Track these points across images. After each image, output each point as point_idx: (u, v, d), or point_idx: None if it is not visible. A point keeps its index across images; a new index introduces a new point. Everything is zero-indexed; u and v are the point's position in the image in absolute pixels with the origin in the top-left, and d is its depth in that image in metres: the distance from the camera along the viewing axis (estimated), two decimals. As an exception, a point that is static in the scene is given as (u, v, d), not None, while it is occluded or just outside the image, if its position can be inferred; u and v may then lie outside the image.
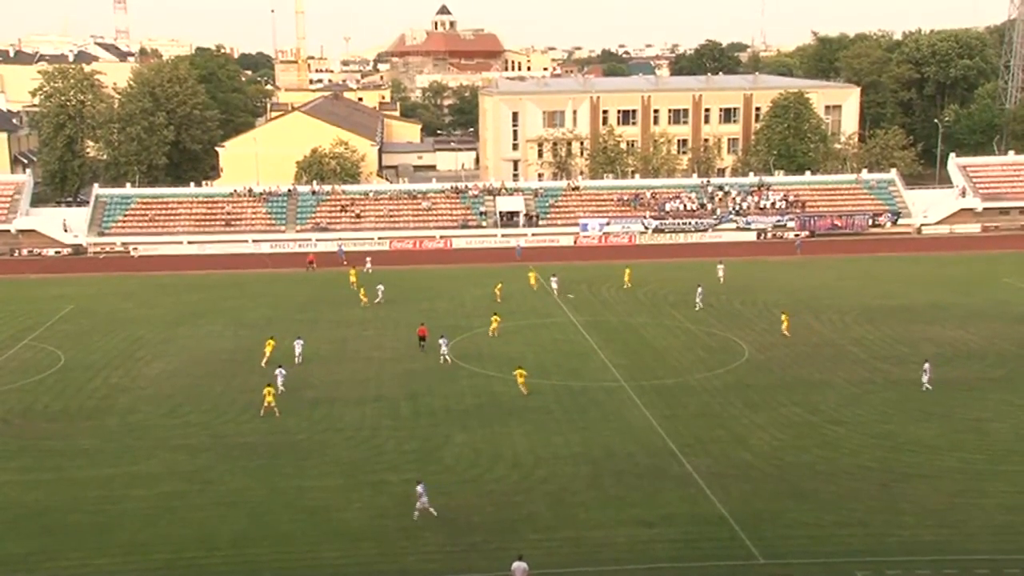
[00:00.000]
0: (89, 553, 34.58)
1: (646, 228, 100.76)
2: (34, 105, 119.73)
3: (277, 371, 51.24)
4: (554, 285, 75.51)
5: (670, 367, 56.64)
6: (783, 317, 63.56)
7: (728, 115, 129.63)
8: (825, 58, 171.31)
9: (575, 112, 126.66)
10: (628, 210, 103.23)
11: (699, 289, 71.21)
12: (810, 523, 36.30)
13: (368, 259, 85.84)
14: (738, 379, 54.07)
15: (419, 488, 36.95)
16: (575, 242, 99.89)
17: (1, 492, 39.50)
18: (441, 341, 57.91)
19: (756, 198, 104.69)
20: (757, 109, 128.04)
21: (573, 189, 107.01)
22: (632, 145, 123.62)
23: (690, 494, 38.98)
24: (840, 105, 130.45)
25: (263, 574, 33.12)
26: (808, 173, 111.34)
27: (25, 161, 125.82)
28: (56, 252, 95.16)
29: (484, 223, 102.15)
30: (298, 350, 57.66)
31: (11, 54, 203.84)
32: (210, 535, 35.87)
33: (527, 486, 40.07)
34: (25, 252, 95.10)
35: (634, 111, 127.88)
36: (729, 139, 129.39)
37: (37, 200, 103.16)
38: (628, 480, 40.40)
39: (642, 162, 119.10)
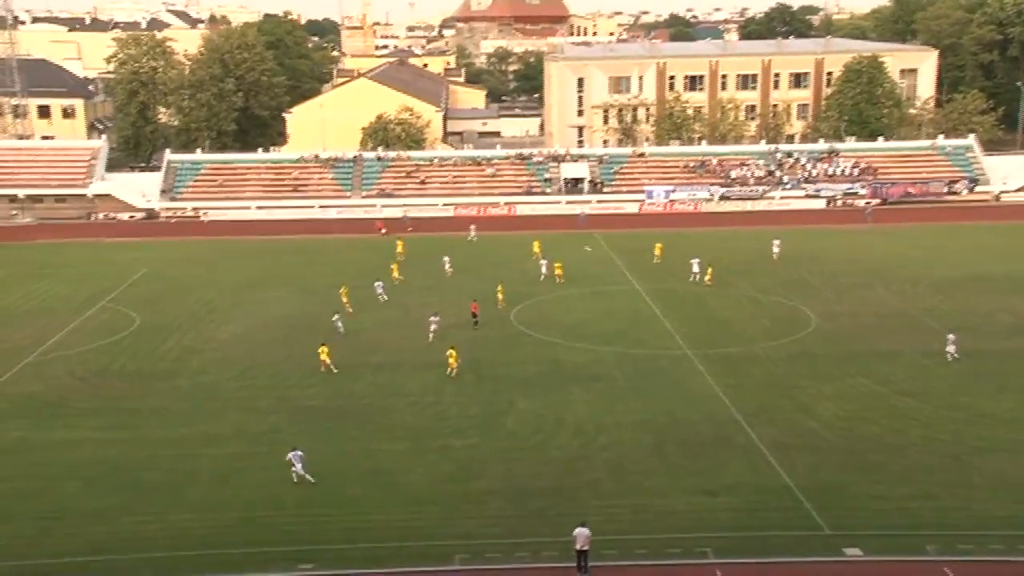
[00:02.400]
0: (164, 509, 35.60)
1: (712, 195, 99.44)
2: (109, 72, 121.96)
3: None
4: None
5: (735, 336, 56.05)
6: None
7: (798, 80, 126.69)
8: (901, 20, 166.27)
9: (641, 78, 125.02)
10: (694, 177, 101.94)
11: (694, 261, 68.99)
12: (878, 496, 35.79)
13: (473, 226, 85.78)
14: (804, 349, 53.33)
15: (290, 455, 37.26)
16: (640, 209, 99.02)
17: (80, 449, 40.78)
18: (432, 319, 56.15)
19: (826, 165, 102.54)
20: (829, 74, 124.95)
21: (638, 156, 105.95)
22: (699, 111, 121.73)
23: (754, 464, 38.68)
24: (916, 69, 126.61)
25: (330, 534, 33.74)
26: (881, 139, 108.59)
27: (101, 127, 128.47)
28: (130, 216, 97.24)
29: (548, 190, 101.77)
30: (380, 289, 63.82)
31: (87, 22, 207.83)
32: (278, 495, 36.64)
33: (589, 453, 40.13)
34: (101, 216, 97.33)
35: (701, 77, 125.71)
36: (799, 105, 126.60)
37: (112, 165, 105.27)
38: (691, 449, 40.22)
39: (709, 128, 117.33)
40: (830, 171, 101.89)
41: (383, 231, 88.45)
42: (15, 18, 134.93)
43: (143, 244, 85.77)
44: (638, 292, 66.47)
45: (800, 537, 33.19)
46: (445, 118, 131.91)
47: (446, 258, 72.44)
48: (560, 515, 34.33)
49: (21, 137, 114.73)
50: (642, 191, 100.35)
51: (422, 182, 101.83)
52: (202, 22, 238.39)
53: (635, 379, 48.97)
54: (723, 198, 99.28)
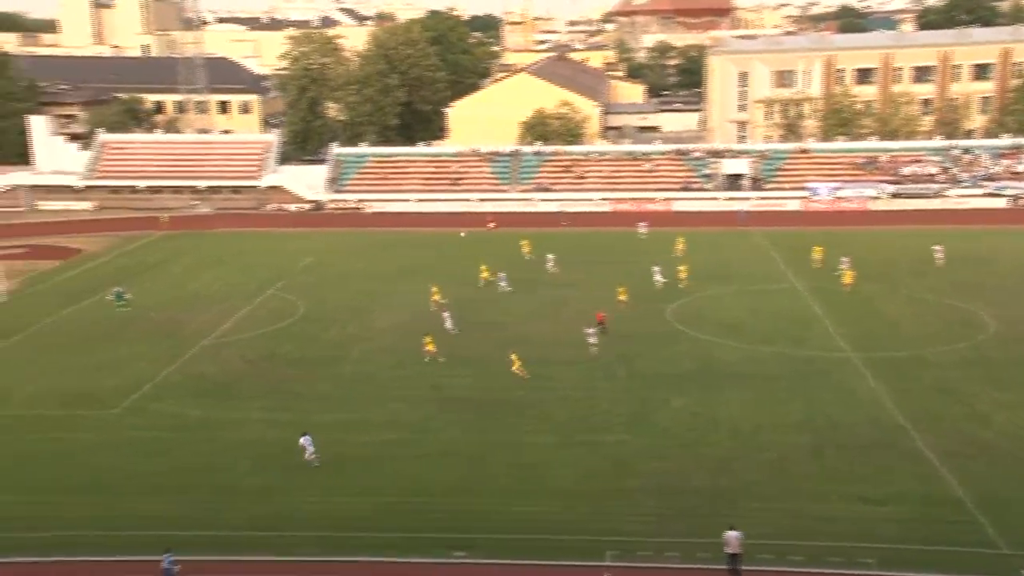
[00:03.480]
0: (324, 491, 36.86)
1: (881, 194, 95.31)
2: (282, 69, 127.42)
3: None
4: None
5: (902, 338, 53.53)
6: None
7: (981, 72, 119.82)
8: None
9: (807, 71, 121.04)
10: (862, 174, 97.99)
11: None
12: (1061, 514, 33.45)
13: (642, 223, 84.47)
14: (981, 354, 50.40)
15: (302, 440, 38.48)
16: (802, 207, 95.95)
17: (249, 429, 42.71)
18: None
19: (1010, 161, 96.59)
20: (1016, 64, 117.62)
21: (802, 152, 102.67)
22: (869, 105, 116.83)
23: (922, 472, 36.83)
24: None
25: (480, 524, 34.12)
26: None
27: (274, 122, 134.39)
28: (298, 207, 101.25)
29: (707, 186, 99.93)
30: (503, 282, 64.69)
31: (265, 21, 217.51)
32: (430, 483, 37.33)
33: (745, 453, 39.14)
34: (271, 207, 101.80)
35: (873, 69, 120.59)
36: (981, 98, 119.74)
37: (283, 158, 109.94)
38: (852, 454, 38.65)
39: (879, 123, 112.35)
40: (1015, 168, 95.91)
41: (492, 226, 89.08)
42: (202, 19, 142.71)
43: (309, 234, 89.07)
44: (798, 291, 64.41)
45: (973, 554, 31.35)
46: (604, 113, 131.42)
47: (550, 256, 71.98)
48: (714, 515, 33.60)
49: (202, 131, 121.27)
50: (805, 188, 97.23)
51: (579, 177, 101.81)
52: (369, 19, 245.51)
53: (793, 380, 47.45)
54: (893, 196, 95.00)
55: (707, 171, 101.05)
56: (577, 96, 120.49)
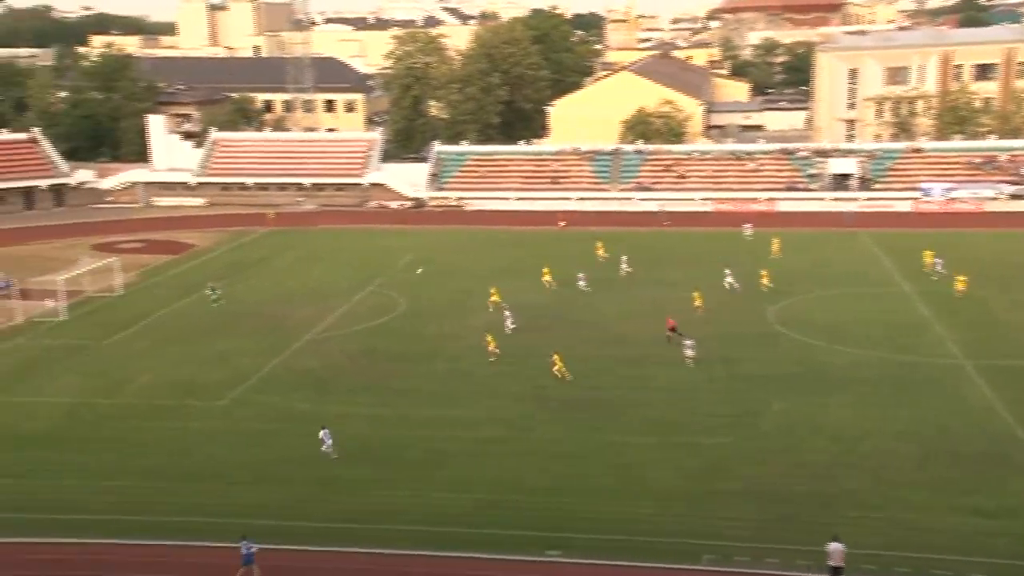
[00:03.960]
0: (420, 485, 37.29)
1: (999, 194, 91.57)
2: (387, 68, 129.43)
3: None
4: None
5: (1021, 346, 51.33)
6: None
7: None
8: None
9: (922, 67, 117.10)
10: (979, 174, 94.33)
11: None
12: None
13: (748, 224, 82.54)
14: (1103, 365, 48.01)
15: (322, 433, 39.48)
16: (913, 208, 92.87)
17: (349, 423, 43.43)
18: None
19: None
20: None
21: (914, 151, 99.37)
22: (988, 103, 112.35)
23: (1037, 487, 35.28)
24: None
25: (576, 523, 34.03)
26: None
27: (377, 120, 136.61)
28: (400, 205, 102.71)
29: (813, 186, 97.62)
30: (582, 282, 64.60)
31: (371, 21, 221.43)
32: (526, 481, 37.40)
33: (848, 460, 38.12)
34: (373, 204, 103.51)
35: (993, 65, 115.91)
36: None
37: (386, 156, 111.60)
38: (963, 464, 37.26)
39: (999, 121, 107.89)
40: None
41: (562, 224, 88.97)
42: (310, 20, 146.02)
43: (410, 231, 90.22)
44: (907, 294, 62.43)
45: (1089, 572, 29.94)
46: (707, 111, 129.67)
47: (624, 257, 71.00)
48: (815, 523, 32.82)
49: (308, 129, 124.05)
50: (917, 188, 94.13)
51: (680, 176, 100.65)
52: (473, 18, 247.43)
53: (900, 386, 45.99)
54: (1013, 197, 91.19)
55: (813, 171, 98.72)
56: (680, 95, 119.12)
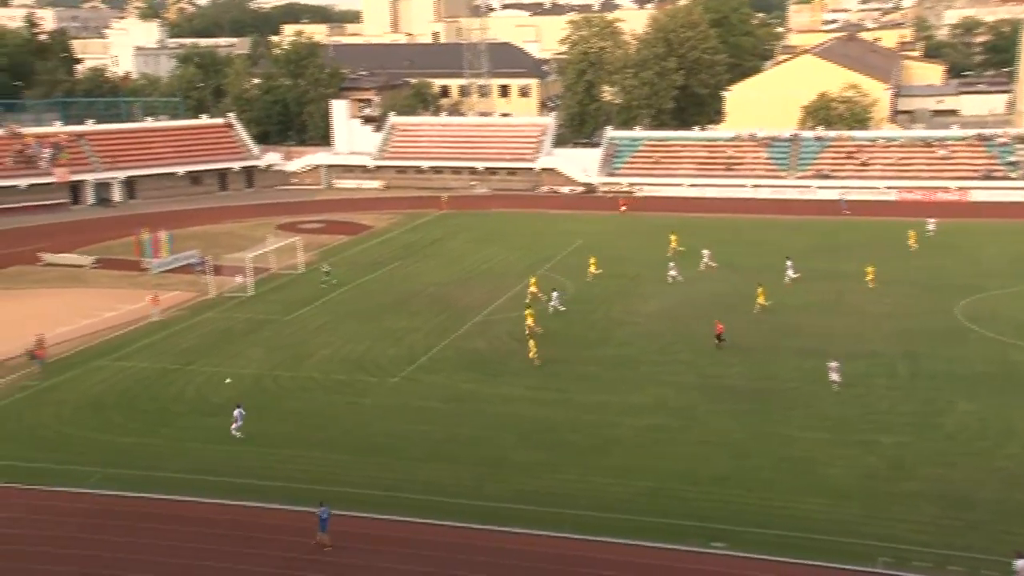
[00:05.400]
0: (585, 470, 37.24)
1: None
2: (561, 53, 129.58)
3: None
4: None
5: None
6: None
7: None
8: None
9: None
10: None
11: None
12: None
13: (931, 221, 76.79)
14: None
15: (236, 412, 40.37)
16: None
17: (515, 405, 43.91)
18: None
19: None
20: None
21: None
22: None
23: None
24: None
25: (744, 516, 33.21)
26: None
27: (550, 105, 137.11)
28: (570, 190, 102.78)
29: (1013, 174, 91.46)
30: (673, 271, 64.07)
31: (547, 6, 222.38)
32: (692, 471, 36.76)
33: (1043, 469, 35.60)
34: (544, 189, 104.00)
35: None
36: None
37: (558, 141, 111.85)
38: None
39: None
40: None
41: (624, 209, 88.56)
42: (488, 6, 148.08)
43: (580, 217, 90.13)
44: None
45: None
46: (895, 96, 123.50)
47: (705, 252, 68.24)
48: (1003, 532, 30.88)
49: (483, 114, 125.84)
50: None
51: (863, 163, 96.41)
52: (651, 2, 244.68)
53: (1107, 392, 42.57)
54: None
55: (1013, 158, 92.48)
56: (865, 78, 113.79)
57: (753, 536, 31.90)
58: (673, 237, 72.71)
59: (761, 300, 56.55)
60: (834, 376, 44.38)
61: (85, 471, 37.76)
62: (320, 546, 31.90)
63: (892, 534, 31.65)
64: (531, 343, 49.71)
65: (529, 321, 53.18)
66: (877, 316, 54.73)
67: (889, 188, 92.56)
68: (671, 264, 65.58)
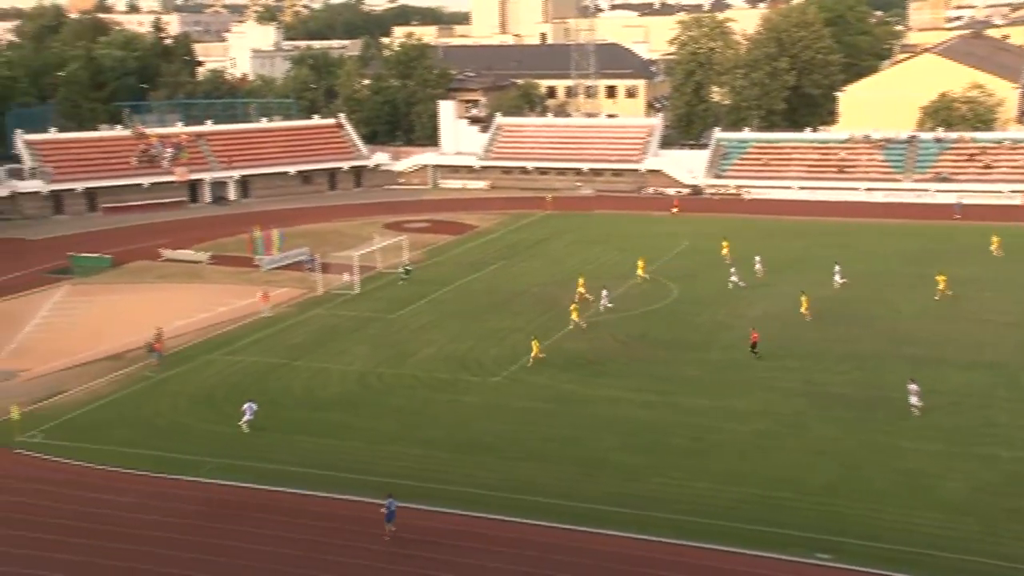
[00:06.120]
0: (688, 475, 36.74)
1: None
2: (670, 54, 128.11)
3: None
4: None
5: None
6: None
7: None
8: None
9: None
10: None
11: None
12: None
13: None
14: None
15: (244, 406, 41.13)
16: None
17: (617, 407, 43.58)
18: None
19: None
20: None
21: None
22: None
23: None
24: None
25: (851, 527, 32.23)
26: None
27: (658, 106, 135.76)
28: (676, 192, 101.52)
29: None
30: (734, 277, 62.47)
31: (656, 6, 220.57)
32: (800, 479, 35.86)
33: None
34: (650, 190, 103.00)
35: None
36: None
37: (664, 143, 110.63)
38: None
39: None
40: None
41: (675, 210, 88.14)
42: (596, 7, 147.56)
43: (686, 219, 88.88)
44: None
45: None
46: (1023, 96, 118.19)
47: (757, 258, 65.99)
48: None
49: (589, 115, 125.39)
50: None
51: (986, 166, 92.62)
52: (763, 1, 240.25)
53: None
54: None
55: None
56: (991, 77, 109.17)
57: (861, 549, 30.93)
58: (725, 243, 71.34)
59: (804, 309, 55.20)
60: (914, 400, 41.22)
61: (198, 460, 39.00)
62: (391, 537, 32.41)
63: (1008, 553, 30.30)
64: (533, 344, 49.83)
65: (574, 316, 54.51)
66: (999, 325, 52.48)
67: (1014, 192, 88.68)
68: (732, 270, 64.18)
